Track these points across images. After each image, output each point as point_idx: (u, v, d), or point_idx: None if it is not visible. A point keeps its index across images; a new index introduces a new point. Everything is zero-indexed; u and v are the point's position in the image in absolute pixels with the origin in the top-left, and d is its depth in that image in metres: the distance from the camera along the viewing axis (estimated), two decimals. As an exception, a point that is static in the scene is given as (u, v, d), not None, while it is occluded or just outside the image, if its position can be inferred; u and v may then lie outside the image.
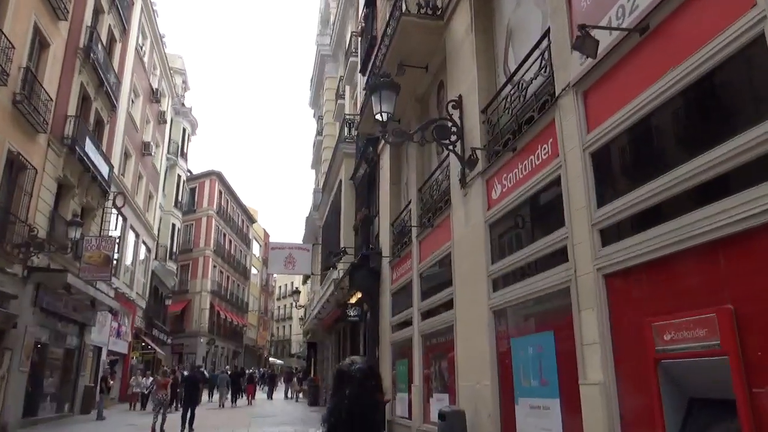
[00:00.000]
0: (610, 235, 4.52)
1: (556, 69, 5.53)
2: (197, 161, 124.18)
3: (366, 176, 15.25)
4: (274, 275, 73.37)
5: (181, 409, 15.44)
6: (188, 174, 39.79)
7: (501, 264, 6.52)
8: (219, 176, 47.18)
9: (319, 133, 25.99)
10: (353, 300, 13.20)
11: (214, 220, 45.64)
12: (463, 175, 7.75)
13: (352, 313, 12.91)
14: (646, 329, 3.81)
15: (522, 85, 6.41)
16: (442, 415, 6.74)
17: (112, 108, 21.06)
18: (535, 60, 6.18)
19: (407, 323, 10.58)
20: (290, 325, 74.83)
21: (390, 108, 7.82)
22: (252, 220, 59.30)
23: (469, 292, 7.34)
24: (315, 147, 28.65)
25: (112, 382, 21.04)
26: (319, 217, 23.55)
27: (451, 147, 7.82)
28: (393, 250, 12.03)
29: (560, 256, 5.23)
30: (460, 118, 8.00)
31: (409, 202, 11.11)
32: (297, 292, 28.51)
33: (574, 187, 4.96)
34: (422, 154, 10.87)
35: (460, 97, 8.15)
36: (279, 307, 77.57)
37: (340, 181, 17.66)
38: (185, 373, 20.06)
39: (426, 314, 9.45)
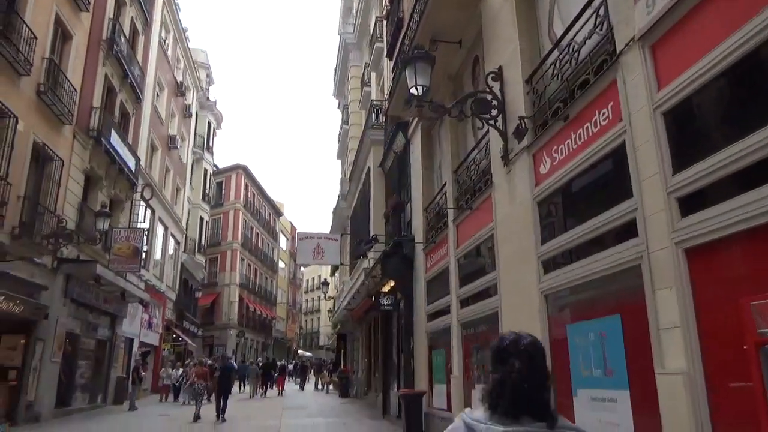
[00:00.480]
0: (691, 203, 3.96)
1: (615, 24, 4.97)
2: (223, 155, 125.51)
3: (396, 162, 14.78)
4: (302, 269, 73.74)
5: (213, 400, 15.96)
6: (215, 168, 39.84)
7: (553, 244, 5.99)
8: (245, 170, 47.23)
9: (345, 122, 25.57)
10: (386, 289, 12.77)
11: (241, 213, 45.74)
12: (505, 151, 7.22)
13: (385, 303, 12.47)
14: (743, 310, 3.27)
15: (573, 47, 5.85)
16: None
17: (137, 100, 20.96)
18: (588, 19, 5.60)
19: (444, 312, 10.11)
20: (318, 318, 75.11)
21: (426, 81, 7.33)
22: (279, 213, 59.38)
23: (516, 275, 6.83)
24: (340, 137, 28.26)
25: (144, 373, 21.05)
26: (346, 207, 23.18)
27: (492, 122, 7.29)
28: (427, 236, 11.56)
29: (626, 231, 4.69)
30: (501, 90, 7.45)
31: (444, 185, 10.60)
32: (326, 283, 28.24)
33: (643, 152, 4.40)
34: (456, 134, 10.35)
35: (500, 68, 7.59)
36: (307, 300, 77.86)
37: (369, 168, 17.22)
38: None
39: (465, 301, 8.96)
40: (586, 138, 5.34)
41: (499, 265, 7.43)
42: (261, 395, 24.27)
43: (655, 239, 4.21)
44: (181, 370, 21.77)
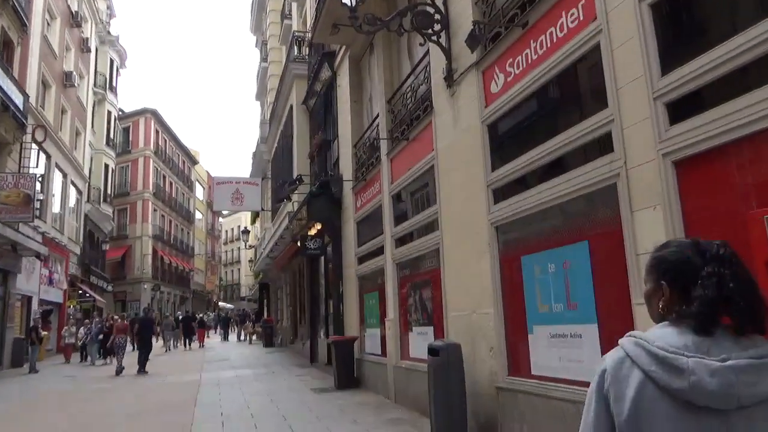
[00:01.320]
0: (683, 108, 3.42)
1: None
2: (129, 99, 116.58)
3: (321, 97, 13.73)
4: (220, 219, 71.17)
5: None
6: (120, 112, 36.63)
7: (506, 170, 5.40)
8: (154, 114, 43.93)
9: (264, 60, 23.88)
10: (312, 232, 11.98)
11: (151, 161, 42.78)
12: (449, 71, 6.49)
13: (311, 246, 11.69)
14: (753, 224, 2.79)
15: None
16: (433, 350, 5.74)
17: (23, 28, 18.32)
18: None
19: (377, 252, 9.49)
20: (239, 269, 73.29)
21: (360, -11, 6.39)
22: (194, 161, 56.30)
23: (460, 208, 6.24)
24: (259, 76, 26.49)
25: (44, 332, 19.27)
26: (267, 150, 21.86)
27: (434, 38, 6.51)
28: (357, 174, 10.79)
29: (597, 148, 4.14)
30: (445, 3, 6.66)
31: (376, 117, 9.80)
32: (246, 232, 26.97)
33: (623, 53, 3.80)
34: (390, 61, 9.50)
35: (442, -22, 6.77)
36: (226, 251, 75.51)
37: (291, 106, 16.03)
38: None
39: (401, 240, 8.36)
40: (549, 45, 4.69)
41: (440, 198, 6.82)
42: (185, 348, 23.65)
43: (636, 153, 3.66)
44: (83, 328, 20.16)
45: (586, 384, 1.30)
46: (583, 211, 4.38)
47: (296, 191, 13.23)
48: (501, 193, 5.54)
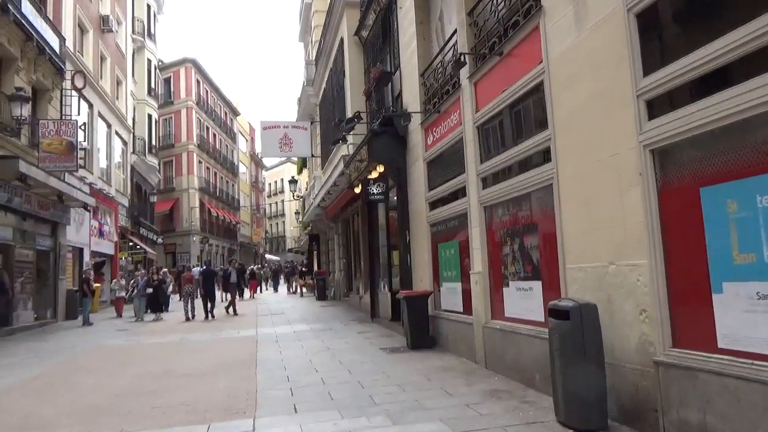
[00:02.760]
0: None
1: None
2: (169, 49, 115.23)
3: (377, 25, 12.22)
4: (263, 172, 70.86)
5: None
6: (160, 62, 35.71)
7: (669, 72, 3.94)
8: (194, 63, 42.96)
9: (308, -6, 22.23)
10: (374, 175, 10.73)
11: (194, 111, 42.10)
12: (571, -48, 4.97)
13: (374, 191, 10.45)
14: None
15: None
16: (559, 311, 4.49)
17: (54, -35, 17.23)
18: None
19: (456, 195, 8.19)
20: (284, 222, 73.43)
21: None
22: (235, 112, 55.49)
23: (589, 130, 4.83)
24: (302, 14, 24.88)
25: (96, 284, 19.00)
26: (314, 93, 20.53)
27: None
28: (426, 107, 9.40)
29: None
30: None
31: (451, 36, 8.31)
32: (294, 181, 25.97)
33: None
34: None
35: None
36: (270, 204, 75.54)
37: (342, 39, 14.56)
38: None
39: (493, 178, 7.00)
40: None
41: (554, 121, 5.40)
42: (239, 299, 22.91)
43: None
44: (114, 280, 19.66)
45: None
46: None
47: (353, 131, 11.93)
48: (661, 104, 4.10)
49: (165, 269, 20.46)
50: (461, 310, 8.07)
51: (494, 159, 6.86)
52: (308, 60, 22.35)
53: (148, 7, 31.25)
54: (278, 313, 16.93)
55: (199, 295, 16.41)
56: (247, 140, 61.97)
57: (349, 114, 13.33)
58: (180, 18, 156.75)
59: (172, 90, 42.03)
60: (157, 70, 33.49)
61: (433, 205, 9.19)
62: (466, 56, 7.28)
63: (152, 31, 31.89)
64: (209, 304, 15.99)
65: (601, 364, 4.38)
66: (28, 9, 14.32)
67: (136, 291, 17.22)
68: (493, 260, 7.01)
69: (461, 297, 8.07)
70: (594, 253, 4.80)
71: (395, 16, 11.11)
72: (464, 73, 7.56)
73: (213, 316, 15.84)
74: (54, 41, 16.34)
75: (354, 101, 13.37)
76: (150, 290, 16.90)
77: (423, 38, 9.78)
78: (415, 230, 10.06)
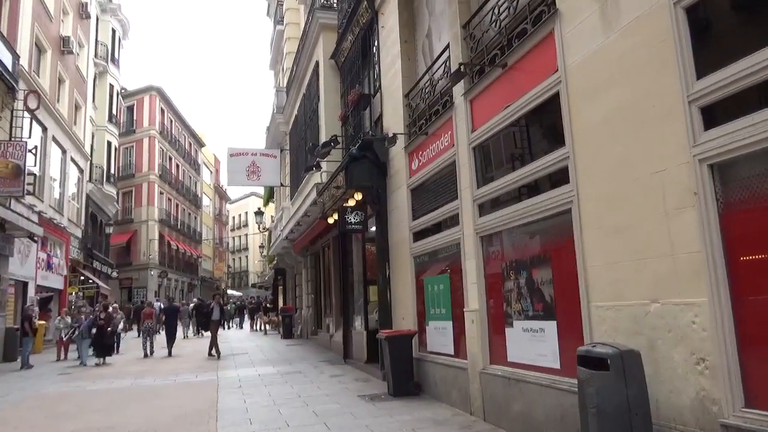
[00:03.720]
0: None
1: None
2: (133, 77, 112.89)
3: (356, 46, 11.60)
4: (227, 205, 69.18)
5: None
6: (123, 90, 34.48)
7: (735, 70, 3.30)
8: (159, 92, 41.82)
9: (280, 22, 21.67)
10: (351, 203, 9.91)
11: (157, 141, 40.74)
12: (595, -55, 4.38)
13: (352, 220, 9.62)
14: None
15: None
16: (594, 359, 3.70)
17: (10, -21, 16.24)
18: None
19: (446, 224, 7.44)
20: (247, 256, 71.62)
21: None
22: (201, 143, 54.18)
23: (619, 145, 4.15)
24: (274, 42, 24.30)
25: (40, 322, 17.37)
26: (284, 121, 19.74)
27: None
28: (410, 130, 8.71)
29: None
30: None
31: (442, 53, 7.70)
32: (260, 213, 24.90)
33: None
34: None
35: None
36: (234, 238, 73.62)
37: (317, 63, 13.90)
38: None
39: (491, 204, 6.27)
40: None
41: (573, 136, 4.72)
42: (198, 336, 22.45)
43: None
44: (58, 318, 17.05)
45: None
46: None
47: (327, 158, 11.15)
48: (722, 111, 3.44)
49: (115, 305, 18.92)
50: (452, 353, 7.20)
51: (494, 183, 6.14)
52: (279, 87, 21.66)
53: (113, 31, 30.26)
54: (241, 353, 15.66)
55: (160, 331, 16.05)
56: (211, 172, 60.55)
57: (323, 140, 12.56)
58: (146, 45, 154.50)
59: (134, 118, 40.68)
60: (120, 97, 32.27)
61: (419, 235, 8.40)
62: (462, 70, 6.63)
63: (116, 56, 30.81)
64: (171, 341, 15.95)
65: (649, 427, 3.58)
66: (-24, 21, 13.26)
67: (77, 331, 14.74)
68: (492, 296, 6.22)
69: (452, 338, 7.22)
70: (629, 290, 4.06)
71: (376, 37, 10.51)
72: (458, 90, 6.90)
73: (170, 354, 15.51)
74: (6, 58, 15.22)
75: (329, 127, 12.62)
76: (94, 330, 14.21)
77: (408, 58, 9.16)
78: (396, 263, 9.23)
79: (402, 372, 7.93)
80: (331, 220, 11.82)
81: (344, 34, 12.06)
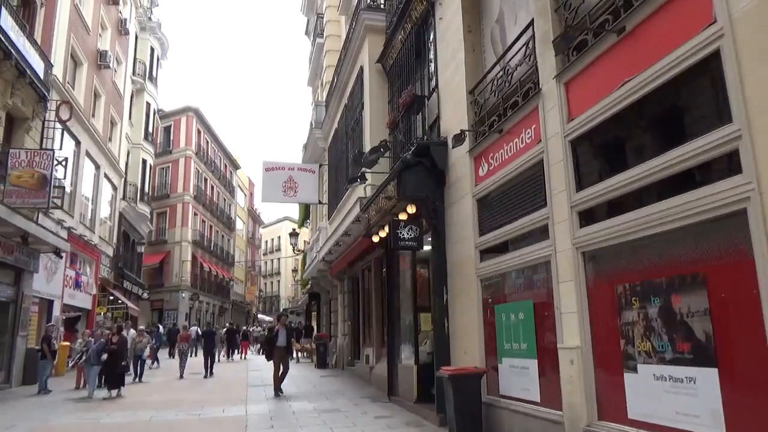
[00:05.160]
0: None
1: None
2: (171, 98, 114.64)
3: (407, 44, 10.46)
4: (260, 229, 68.74)
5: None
6: (160, 110, 34.23)
7: None
8: (197, 113, 41.73)
9: (320, 35, 20.87)
10: (403, 217, 8.63)
11: (193, 161, 40.46)
12: None
13: (406, 236, 8.31)
14: None
15: None
16: None
17: (47, -14, 15.80)
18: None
19: (527, 239, 6.08)
20: (279, 281, 70.82)
21: None
22: (236, 166, 53.99)
23: None
24: (313, 57, 23.52)
25: (65, 343, 16.46)
26: (323, 136, 18.72)
27: None
28: (477, 130, 7.43)
29: None
30: None
31: (522, 33, 6.44)
32: (294, 234, 23.81)
33: None
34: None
35: None
36: (266, 261, 73.03)
37: (361, 69, 12.82)
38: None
39: (600, 210, 4.90)
40: None
41: (746, 110, 3.37)
42: (228, 360, 23.17)
43: None
44: (79, 340, 15.36)
45: None
46: None
47: (374, 167, 9.94)
48: None
49: (141, 327, 17.92)
50: (537, 400, 5.76)
51: (606, 182, 4.78)
52: (317, 102, 20.75)
53: (152, 50, 30.10)
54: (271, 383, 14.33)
55: (194, 354, 16.97)
56: (246, 195, 60.28)
57: (368, 149, 11.36)
58: (184, 67, 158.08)
59: (171, 139, 40.59)
60: (156, 115, 31.97)
61: (488, 253, 7.04)
62: (554, 50, 5.34)
63: (154, 74, 30.60)
64: (211, 362, 16.62)
65: None
66: (8, 24, 12.64)
67: (84, 357, 12.93)
68: (601, 330, 4.80)
69: (537, 381, 5.78)
70: None
71: (432, 31, 9.35)
72: (547, 73, 5.62)
73: (212, 374, 16.26)
74: (38, 65, 14.61)
75: (374, 135, 11.44)
76: (105, 357, 11.81)
77: (472, 49, 7.94)
78: (456, 287, 7.86)
79: (468, 419, 6.49)
80: (376, 238, 10.56)
81: (394, 33, 10.96)
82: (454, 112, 8.17)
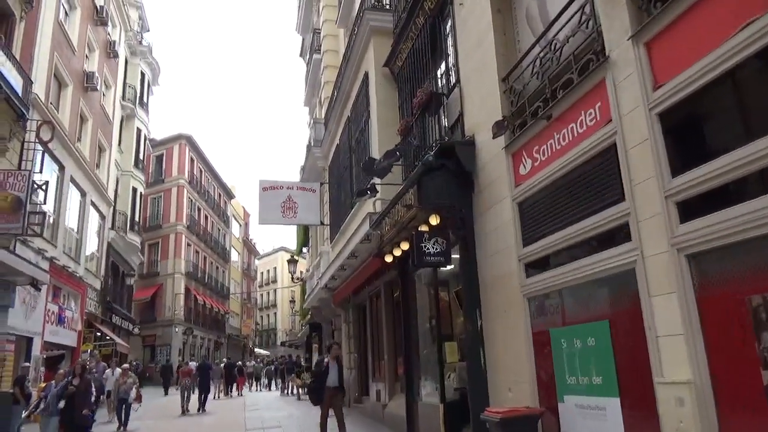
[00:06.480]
0: None
1: None
2: (163, 126, 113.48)
3: (420, 41, 9.41)
4: (256, 261, 67.16)
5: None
6: (152, 139, 33.15)
7: None
8: (189, 140, 40.74)
9: (317, 50, 19.97)
10: (425, 228, 7.42)
11: (185, 190, 39.28)
12: None
13: (431, 249, 7.06)
14: None
15: None
16: None
17: (28, 1, 14.81)
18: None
19: (594, 244, 4.87)
20: (275, 313, 68.93)
21: None
22: (230, 195, 52.84)
23: None
24: (309, 77, 22.60)
25: (42, 384, 14.94)
26: (322, 155, 17.62)
27: None
28: (513, 122, 6.29)
29: None
30: None
31: (563, 9, 5.36)
32: (293, 261, 22.49)
33: None
34: None
35: None
36: (261, 294, 71.26)
37: (366, 75, 11.78)
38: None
39: (712, 199, 3.72)
40: None
41: None
42: (227, 395, 23.30)
43: None
44: (43, 384, 13.15)
45: None
46: None
47: (390, 170, 8.78)
48: None
49: (125, 366, 16.37)
50: (623, 451, 4.47)
51: (718, 161, 3.60)
52: (316, 119, 19.71)
53: (143, 74, 29.18)
54: (273, 426, 12.92)
55: (195, 390, 17.70)
56: (240, 225, 59.01)
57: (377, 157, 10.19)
58: (176, 93, 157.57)
59: (163, 167, 39.48)
60: (147, 142, 30.87)
61: (536, 266, 5.82)
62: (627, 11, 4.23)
63: (145, 99, 29.62)
64: (204, 398, 17.52)
65: None
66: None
67: (43, 403, 10.37)
68: (724, 358, 3.56)
69: (622, 426, 4.48)
70: None
71: (450, 20, 8.30)
72: (618, 35, 4.50)
73: (204, 410, 16.93)
74: (15, 81, 13.50)
75: (383, 145, 10.30)
76: (62, 405, 9.58)
77: (503, 32, 6.87)
78: (493, 308, 6.61)
79: (522, 474, 5.18)
80: (389, 258, 9.32)
81: (403, 30, 9.92)
82: (482, 105, 7.05)
